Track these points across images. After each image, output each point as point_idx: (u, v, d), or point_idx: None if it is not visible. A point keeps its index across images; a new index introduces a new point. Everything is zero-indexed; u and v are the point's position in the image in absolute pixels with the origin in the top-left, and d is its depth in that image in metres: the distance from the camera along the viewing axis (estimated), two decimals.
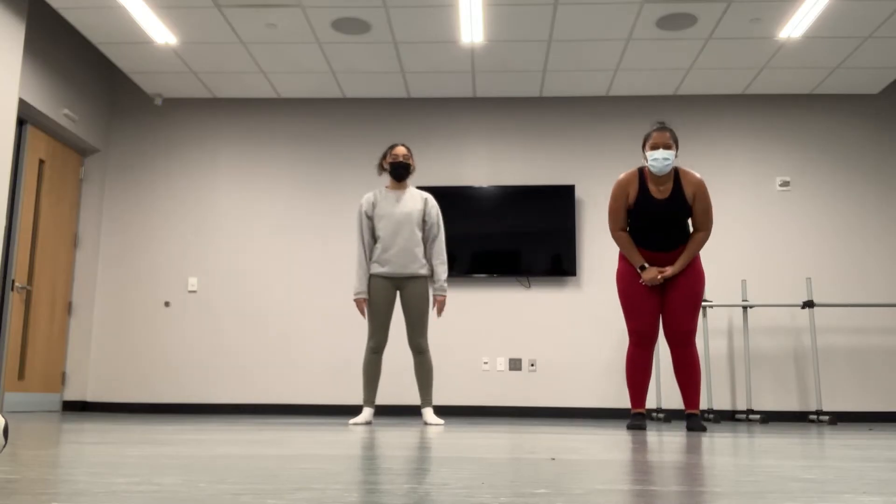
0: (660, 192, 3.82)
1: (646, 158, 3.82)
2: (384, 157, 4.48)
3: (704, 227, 3.84)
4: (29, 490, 1.12)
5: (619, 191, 3.85)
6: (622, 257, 3.95)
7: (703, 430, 3.71)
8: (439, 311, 4.36)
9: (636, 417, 3.88)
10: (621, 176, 3.88)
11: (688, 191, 3.81)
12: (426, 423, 4.21)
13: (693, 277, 3.83)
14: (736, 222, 6.51)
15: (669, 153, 3.74)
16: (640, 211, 3.83)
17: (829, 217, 6.50)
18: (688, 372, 3.78)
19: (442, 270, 4.38)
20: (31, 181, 5.81)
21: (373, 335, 4.31)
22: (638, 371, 3.89)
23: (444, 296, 4.39)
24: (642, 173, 3.87)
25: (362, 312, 4.32)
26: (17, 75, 5.14)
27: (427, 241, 4.44)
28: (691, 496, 1.13)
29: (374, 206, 4.43)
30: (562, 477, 1.40)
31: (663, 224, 3.82)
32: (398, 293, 4.42)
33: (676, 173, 3.84)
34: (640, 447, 2.33)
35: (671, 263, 3.87)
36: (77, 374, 6.36)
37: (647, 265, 3.85)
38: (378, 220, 4.39)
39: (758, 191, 6.55)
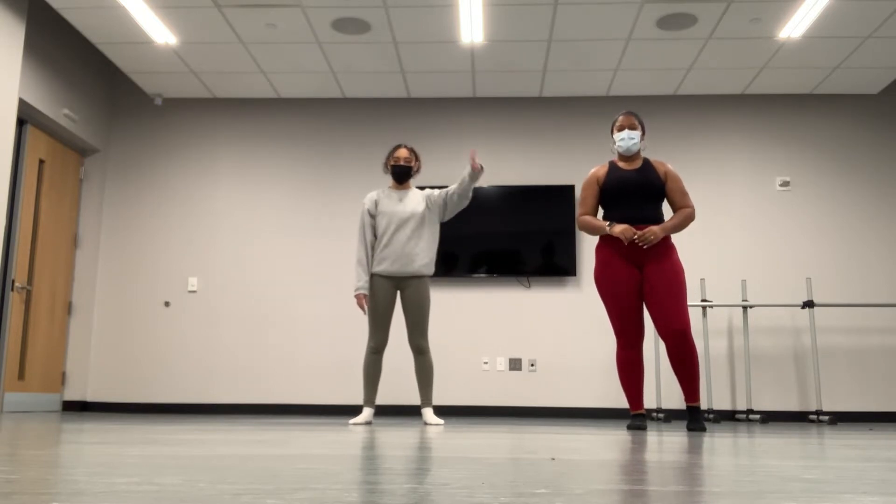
0: (629, 166, 3.93)
1: (613, 142, 3.97)
2: (388, 157, 4.49)
3: (687, 205, 3.90)
4: (29, 490, 1.12)
5: (591, 177, 3.98)
6: (598, 253, 3.90)
7: (704, 429, 3.68)
8: (474, 162, 4.18)
9: (636, 418, 3.87)
10: (592, 169, 4.02)
11: (659, 169, 3.93)
12: (426, 423, 4.21)
13: (671, 269, 3.77)
14: (736, 222, 6.51)
15: (635, 133, 3.90)
16: (612, 186, 3.87)
17: (829, 217, 6.50)
18: (685, 364, 3.71)
19: (462, 181, 4.27)
20: (31, 181, 5.81)
21: (373, 335, 4.31)
22: (630, 373, 3.86)
23: (472, 165, 4.19)
24: (612, 162, 4.01)
25: (362, 308, 4.31)
26: (17, 75, 5.14)
27: (448, 205, 4.39)
28: (691, 496, 1.13)
29: (376, 204, 4.43)
30: (562, 477, 1.40)
31: (635, 195, 3.83)
32: (399, 293, 4.42)
33: (646, 159, 3.97)
34: (640, 447, 2.33)
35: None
36: (77, 374, 6.36)
37: (613, 223, 3.81)
38: (380, 219, 4.39)
39: (758, 191, 6.55)
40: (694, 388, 3.75)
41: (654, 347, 6.27)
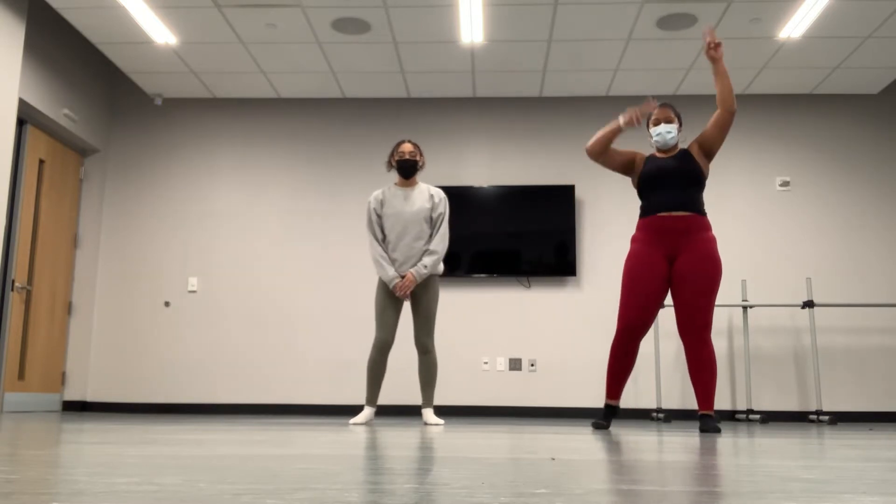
0: (667, 155, 3.82)
1: (650, 136, 3.84)
2: (392, 153, 4.43)
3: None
4: (29, 490, 1.12)
5: (632, 150, 3.88)
6: (632, 243, 3.78)
7: (718, 431, 3.51)
8: (400, 288, 4.20)
9: (606, 413, 3.80)
10: None
11: (693, 150, 3.79)
12: (426, 424, 4.20)
13: (708, 263, 3.62)
14: (736, 222, 6.51)
15: (671, 126, 3.77)
16: (649, 172, 3.76)
17: (829, 217, 6.50)
18: (702, 370, 3.58)
19: (431, 260, 4.24)
20: (31, 181, 5.81)
21: (378, 335, 4.27)
22: (620, 363, 3.74)
23: (414, 279, 4.19)
24: (651, 154, 3.91)
25: (405, 290, 4.20)
26: (17, 75, 5.14)
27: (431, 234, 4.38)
28: (691, 496, 1.13)
29: (382, 204, 4.38)
30: (562, 477, 1.40)
31: (672, 179, 3.69)
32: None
33: (683, 149, 3.83)
34: (640, 447, 2.33)
35: (685, 228, 3.65)
36: (77, 374, 6.36)
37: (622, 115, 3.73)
38: (386, 219, 4.34)
39: (758, 191, 6.55)
40: (708, 396, 3.59)
41: (654, 348, 6.27)
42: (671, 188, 3.70)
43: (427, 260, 4.25)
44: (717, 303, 6.27)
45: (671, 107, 3.82)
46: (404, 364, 6.37)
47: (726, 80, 3.67)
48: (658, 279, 3.68)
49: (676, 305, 3.69)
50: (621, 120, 3.71)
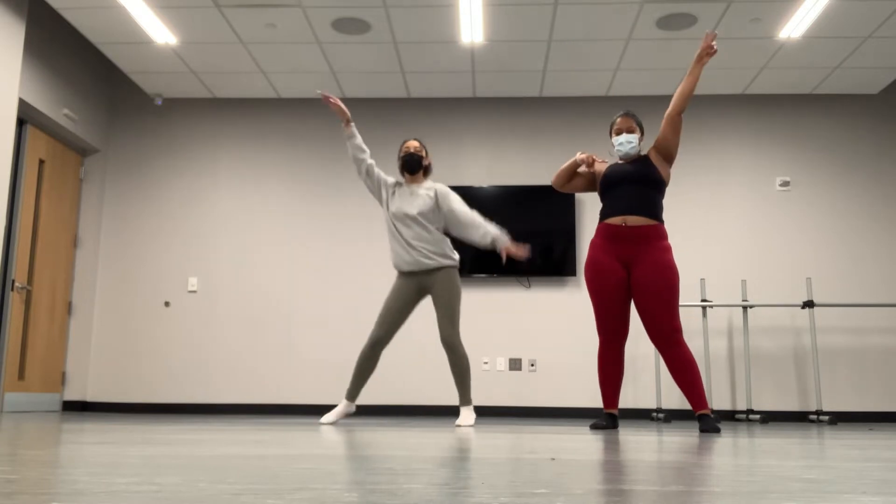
0: (628, 160, 3.88)
1: (612, 145, 3.90)
2: (399, 151, 4.35)
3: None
4: (29, 490, 1.12)
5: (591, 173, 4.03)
6: (589, 249, 3.83)
7: (717, 430, 3.49)
8: (510, 252, 4.12)
9: (606, 418, 3.78)
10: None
11: (652, 156, 3.84)
12: (458, 426, 4.14)
13: (665, 273, 3.64)
14: (736, 222, 6.51)
15: (633, 136, 3.82)
16: (608, 177, 3.82)
17: (829, 217, 6.50)
18: (683, 372, 3.59)
19: (493, 227, 4.18)
20: (31, 181, 5.81)
21: (375, 329, 4.16)
22: (608, 372, 3.77)
23: (509, 242, 4.13)
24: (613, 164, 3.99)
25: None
26: (17, 75, 5.14)
27: (458, 225, 4.21)
28: (691, 496, 1.13)
29: (392, 192, 4.26)
30: (562, 477, 1.40)
31: (630, 182, 3.74)
32: (425, 292, 4.24)
33: (645, 156, 3.86)
34: (640, 447, 2.33)
35: (640, 238, 3.69)
36: (77, 374, 6.36)
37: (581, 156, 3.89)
38: (389, 215, 4.23)
39: (758, 191, 6.55)
40: (698, 396, 3.59)
41: (654, 348, 6.27)
42: (627, 192, 3.76)
43: (491, 228, 4.18)
44: (717, 303, 6.28)
45: (633, 116, 3.87)
46: (402, 364, 6.37)
47: (694, 84, 3.74)
48: (620, 286, 3.75)
49: (642, 317, 3.71)
50: (578, 157, 3.91)
